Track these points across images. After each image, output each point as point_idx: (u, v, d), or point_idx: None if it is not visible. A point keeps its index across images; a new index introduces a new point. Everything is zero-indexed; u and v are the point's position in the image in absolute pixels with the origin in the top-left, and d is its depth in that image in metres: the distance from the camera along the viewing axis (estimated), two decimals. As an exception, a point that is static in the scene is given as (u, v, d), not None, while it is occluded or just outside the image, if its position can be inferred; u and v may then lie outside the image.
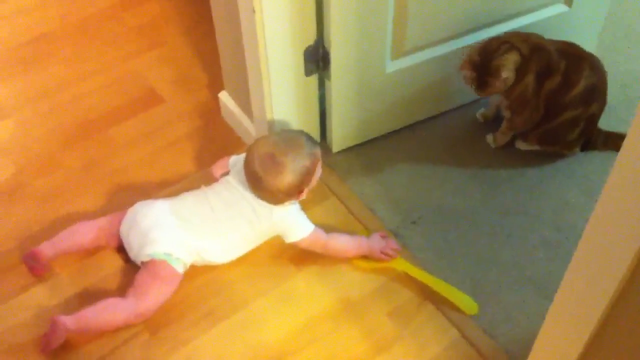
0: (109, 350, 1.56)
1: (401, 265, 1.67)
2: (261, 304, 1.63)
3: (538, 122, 1.79)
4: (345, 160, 1.89)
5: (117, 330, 1.57)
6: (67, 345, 1.54)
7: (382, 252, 1.66)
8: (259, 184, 1.57)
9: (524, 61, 1.70)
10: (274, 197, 1.59)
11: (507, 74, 1.67)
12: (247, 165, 1.59)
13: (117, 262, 1.69)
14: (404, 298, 1.64)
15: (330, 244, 1.66)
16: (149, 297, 1.56)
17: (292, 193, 1.59)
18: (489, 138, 1.90)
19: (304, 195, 1.62)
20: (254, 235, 1.66)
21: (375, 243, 1.67)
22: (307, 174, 1.59)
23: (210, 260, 1.65)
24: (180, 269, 1.59)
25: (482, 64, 1.68)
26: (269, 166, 1.55)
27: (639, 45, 2.15)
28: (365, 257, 1.69)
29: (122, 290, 1.61)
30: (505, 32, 1.77)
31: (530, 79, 1.71)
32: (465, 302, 1.61)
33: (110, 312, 1.54)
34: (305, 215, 1.66)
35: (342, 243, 1.67)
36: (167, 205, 1.64)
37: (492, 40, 1.72)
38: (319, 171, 1.65)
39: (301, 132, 1.66)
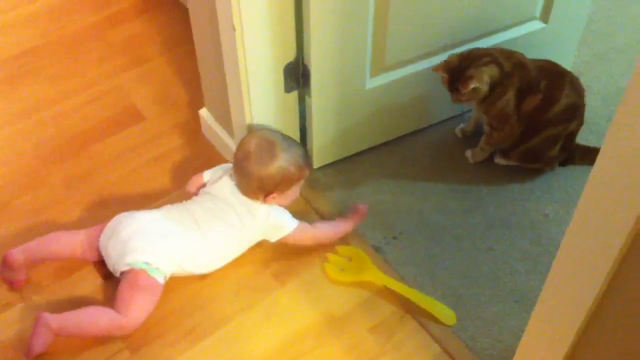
0: (90, 369, 1.55)
1: (380, 279, 1.67)
2: (244, 320, 1.63)
3: (518, 140, 1.80)
4: (325, 176, 1.90)
5: (99, 339, 1.56)
6: (47, 365, 1.53)
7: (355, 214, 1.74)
8: (244, 164, 1.61)
9: (505, 77, 1.71)
10: (249, 184, 1.62)
11: (476, 84, 1.67)
12: (243, 143, 1.64)
13: (96, 279, 1.68)
14: (386, 313, 1.64)
15: (318, 233, 1.70)
16: (132, 309, 1.55)
17: (264, 187, 1.61)
18: (468, 153, 1.91)
19: (271, 201, 1.64)
20: (238, 240, 1.66)
21: (354, 212, 1.74)
22: (287, 180, 1.62)
23: (192, 270, 1.65)
24: (160, 279, 1.58)
25: (458, 69, 1.70)
26: (263, 150, 1.61)
27: (617, 61, 2.18)
28: (344, 272, 1.69)
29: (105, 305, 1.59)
30: (492, 47, 1.78)
31: (510, 95, 1.73)
32: (444, 312, 1.62)
33: (94, 317, 1.54)
34: (288, 212, 1.68)
35: (329, 228, 1.72)
36: (150, 216, 1.65)
37: (477, 50, 1.74)
38: (295, 190, 1.69)
39: (302, 147, 1.72)
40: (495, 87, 1.71)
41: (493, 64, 1.70)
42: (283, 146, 1.64)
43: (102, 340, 1.58)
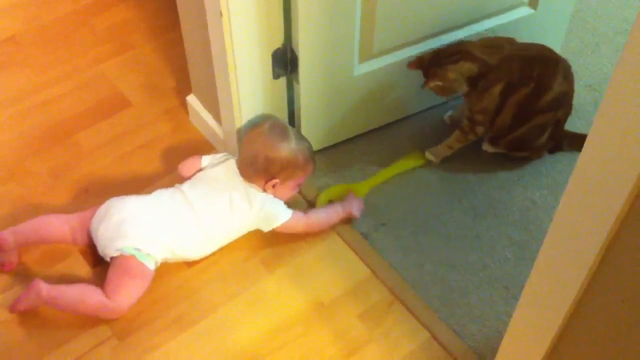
0: (76, 357, 1.54)
1: (362, 188, 1.79)
2: (231, 308, 1.63)
3: (507, 129, 1.79)
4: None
5: (86, 325, 1.57)
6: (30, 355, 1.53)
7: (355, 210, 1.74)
8: (254, 141, 1.64)
9: (490, 71, 1.70)
10: (255, 164, 1.63)
11: (437, 82, 1.71)
12: (257, 125, 1.67)
13: (85, 266, 1.68)
14: (375, 299, 1.64)
15: (311, 220, 1.70)
16: (121, 293, 1.55)
17: (268, 169, 1.62)
18: (429, 155, 1.88)
19: (270, 189, 1.65)
20: (231, 227, 1.66)
21: (349, 204, 1.73)
22: (292, 167, 1.64)
23: (184, 255, 1.65)
24: (150, 265, 1.58)
25: (428, 66, 1.72)
26: (276, 132, 1.65)
27: (605, 47, 2.18)
28: (327, 193, 1.79)
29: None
30: (483, 37, 1.78)
31: (497, 89, 1.71)
32: (413, 159, 1.86)
33: (84, 296, 1.55)
34: (282, 202, 1.68)
35: (322, 216, 1.72)
36: (142, 201, 1.64)
37: (451, 47, 1.74)
38: (295, 186, 1.71)
39: (311, 145, 1.73)
40: (477, 81, 1.71)
41: (465, 61, 1.70)
42: (296, 134, 1.68)
43: (89, 327, 1.58)
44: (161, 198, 1.65)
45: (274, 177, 1.63)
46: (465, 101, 1.79)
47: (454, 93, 1.75)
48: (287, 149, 1.63)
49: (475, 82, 1.71)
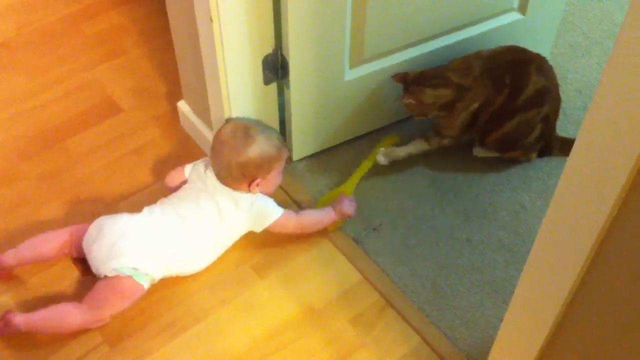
0: (68, 365, 1.54)
1: (350, 187, 1.81)
2: (224, 314, 1.63)
3: (490, 128, 1.81)
4: (305, 168, 1.89)
5: (78, 333, 1.56)
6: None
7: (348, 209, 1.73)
8: (221, 152, 1.61)
9: (465, 92, 1.74)
10: (230, 172, 1.61)
11: (410, 101, 1.75)
12: (218, 133, 1.65)
13: (74, 273, 1.68)
14: (367, 304, 1.64)
15: (303, 220, 1.70)
16: (105, 309, 1.55)
17: (246, 173, 1.61)
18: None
19: (255, 188, 1.63)
20: (225, 234, 1.66)
21: (341, 205, 1.72)
22: (267, 162, 1.62)
23: (181, 271, 1.64)
24: (146, 284, 1.57)
25: (410, 83, 1.75)
26: (238, 136, 1.61)
27: (595, 52, 2.20)
28: (324, 201, 1.80)
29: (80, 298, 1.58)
30: (451, 60, 1.79)
31: (475, 106, 1.76)
32: (388, 139, 1.89)
33: (61, 317, 1.53)
34: (272, 200, 1.68)
35: (314, 216, 1.72)
36: (135, 219, 1.61)
37: (434, 70, 1.77)
38: (278, 175, 1.69)
39: (276, 131, 1.72)
40: (454, 104, 1.75)
41: (443, 88, 1.74)
42: (258, 129, 1.64)
43: (79, 333, 1.57)
44: (153, 216, 1.62)
45: (254, 178, 1.63)
46: (436, 121, 1.82)
47: (423, 116, 1.80)
48: (255, 149, 1.61)
49: (450, 106, 1.75)
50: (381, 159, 1.85)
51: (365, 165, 1.86)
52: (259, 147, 1.61)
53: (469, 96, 1.74)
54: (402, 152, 1.86)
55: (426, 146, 1.85)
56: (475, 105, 1.75)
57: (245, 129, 1.63)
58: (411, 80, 1.76)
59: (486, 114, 1.77)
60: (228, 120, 1.69)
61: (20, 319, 1.51)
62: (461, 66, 1.77)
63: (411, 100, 1.75)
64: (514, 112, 1.77)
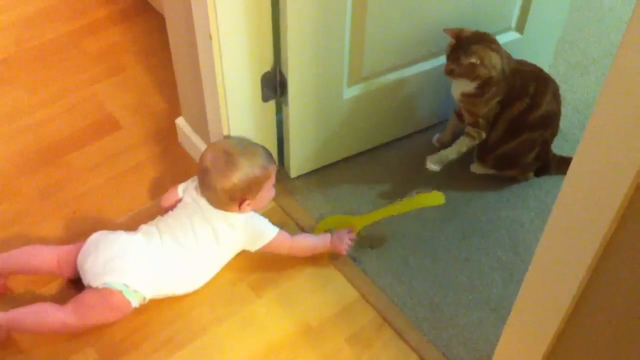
0: (61, 382, 1.53)
1: (362, 222, 1.74)
2: (220, 331, 1.62)
3: (497, 142, 1.81)
4: (303, 186, 1.89)
5: (71, 347, 1.56)
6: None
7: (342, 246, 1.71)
8: (206, 179, 1.60)
9: (502, 79, 1.72)
10: (218, 198, 1.60)
11: (476, 60, 1.67)
12: (201, 159, 1.63)
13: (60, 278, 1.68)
14: (363, 322, 1.64)
15: (296, 244, 1.69)
16: (88, 318, 1.54)
17: (234, 197, 1.59)
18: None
19: (247, 208, 1.62)
20: (220, 254, 1.65)
21: (339, 239, 1.70)
22: (254, 184, 1.60)
23: (175, 292, 1.63)
24: (135, 302, 1.56)
25: (467, 41, 1.69)
26: (220, 162, 1.59)
27: (592, 71, 2.21)
28: (325, 222, 1.77)
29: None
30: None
31: (495, 102, 1.75)
32: (431, 198, 1.73)
33: (44, 315, 1.53)
34: (267, 220, 1.67)
35: (308, 242, 1.71)
36: (132, 239, 1.60)
37: (491, 35, 1.73)
38: (269, 191, 1.68)
39: (262, 146, 1.69)
40: (491, 86, 1.72)
41: (498, 55, 1.71)
42: (240, 151, 1.61)
43: (73, 350, 1.56)
44: (150, 237, 1.61)
45: (243, 200, 1.62)
46: (468, 108, 1.79)
47: (470, 78, 1.71)
48: (239, 173, 1.58)
49: (482, 87, 1.72)
50: (432, 166, 1.84)
51: (392, 210, 1.75)
52: (243, 172, 1.58)
53: (502, 85, 1.73)
54: (452, 153, 1.84)
55: (470, 140, 1.82)
56: (496, 99, 1.74)
57: (226, 154, 1.60)
58: (467, 39, 1.69)
59: (504, 120, 1.76)
60: (210, 145, 1.68)
61: (0, 315, 1.51)
62: (506, 54, 1.75)
63: (476, 61, 1.67)
64: (523, 130, 1.78)
